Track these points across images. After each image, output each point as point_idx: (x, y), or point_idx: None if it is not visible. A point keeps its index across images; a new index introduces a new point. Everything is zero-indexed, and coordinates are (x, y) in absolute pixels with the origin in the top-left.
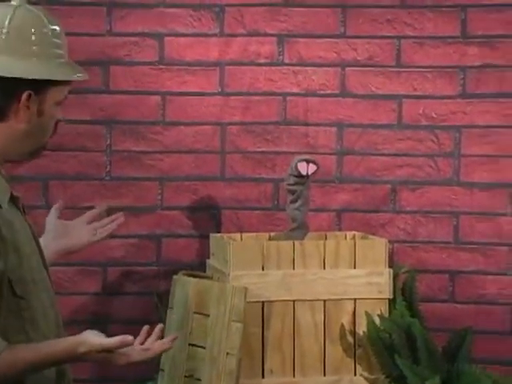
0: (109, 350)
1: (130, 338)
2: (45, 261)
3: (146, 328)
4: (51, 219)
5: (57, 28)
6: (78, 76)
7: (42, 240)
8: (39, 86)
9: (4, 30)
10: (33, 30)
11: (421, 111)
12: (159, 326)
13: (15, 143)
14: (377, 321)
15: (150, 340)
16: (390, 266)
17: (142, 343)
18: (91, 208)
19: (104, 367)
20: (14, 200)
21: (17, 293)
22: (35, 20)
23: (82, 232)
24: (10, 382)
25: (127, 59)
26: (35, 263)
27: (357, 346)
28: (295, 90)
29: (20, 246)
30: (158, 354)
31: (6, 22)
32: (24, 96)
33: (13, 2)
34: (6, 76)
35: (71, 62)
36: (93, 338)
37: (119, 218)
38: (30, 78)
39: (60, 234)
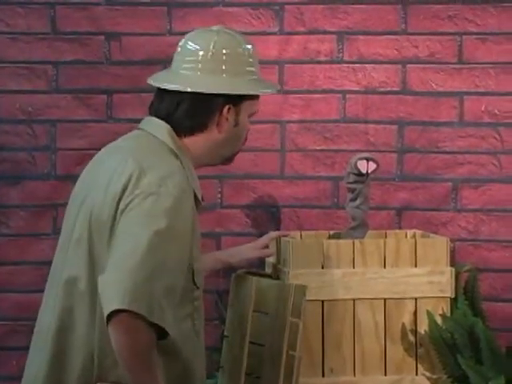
0: None
1: None
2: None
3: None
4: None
5: (251, 48)
6: (270, 91)
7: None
8: (237, 101)
9: (210, 53)
10: (234, 51)
11: (483, 108)
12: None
13: (214, 150)
14: (438, 320)
15: None
16: (451, 265)
17: None
18: None
19: None
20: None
21: (196, 282)
22: (235, 42)
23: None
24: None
25: None
26: (202, 265)
27: (418, 346)
28: (355, 87)
29: (199, 243)
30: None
31: (211, 46)
32: (225, 109)
33: (213, 28)
34: (216, 93)
35: (261, 77)
36: None
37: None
38: (235, 93)
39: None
